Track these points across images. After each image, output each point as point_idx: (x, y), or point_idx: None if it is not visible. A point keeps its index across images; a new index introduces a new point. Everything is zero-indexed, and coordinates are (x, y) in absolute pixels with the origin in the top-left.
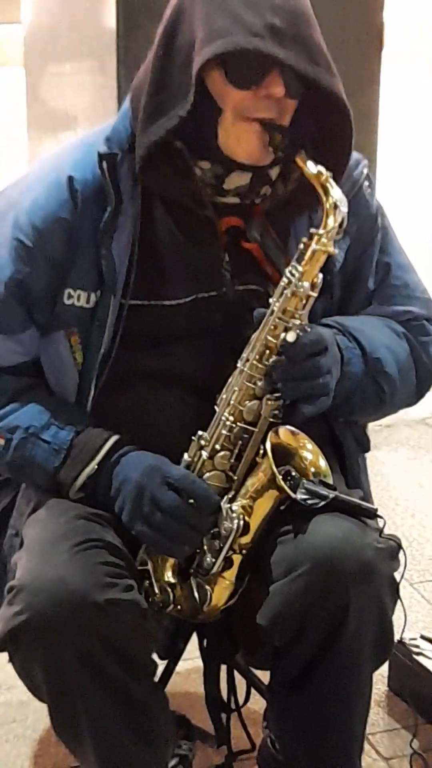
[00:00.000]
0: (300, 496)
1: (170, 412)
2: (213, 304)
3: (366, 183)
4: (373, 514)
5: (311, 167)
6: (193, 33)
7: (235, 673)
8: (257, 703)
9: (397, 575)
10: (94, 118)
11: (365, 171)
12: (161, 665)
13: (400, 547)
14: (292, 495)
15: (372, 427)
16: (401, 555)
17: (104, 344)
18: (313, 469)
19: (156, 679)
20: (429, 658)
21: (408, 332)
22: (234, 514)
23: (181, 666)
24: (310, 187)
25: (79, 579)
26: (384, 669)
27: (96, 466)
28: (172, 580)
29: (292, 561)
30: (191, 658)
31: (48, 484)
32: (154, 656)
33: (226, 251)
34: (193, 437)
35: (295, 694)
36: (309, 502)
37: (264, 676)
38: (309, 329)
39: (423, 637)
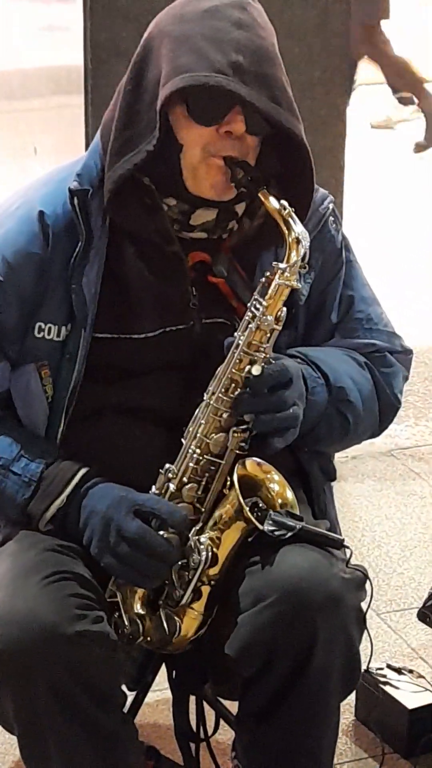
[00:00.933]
0: (267, 527)
1: (139, 444)
2: (181, 338)
3: (331, 218)
4: (340, 545)
5: (273, 202)
6: (159, 69)
7: (204, 703)
8: (225, 734)
9: (363, 605)
10: (62, 154)
11: (331, 206)
12: (130, 696)
13: (366, 577)
14: (260, 527)
15: (338, 459)
16: (368, 585)
17: (74, 377)
18: (280, 500)
19: (125, 710)
20: (396, 687)
21: (370, 363)
22: (202, 546)
23: (150, 697)
24: (276, 222)
25: (49, 611)
26: (351, 698)
27: (65, 499)
28: (141, 612)
29: (259, 592)
30: (160, 689)
31: (17, 516)
32: (123, 688)
33: (193, 286)
34: (160, 470)
35: (263, 724)
36: (276, 533)
37: (232, 706)
38: (273, 361)
39: (389, 667)
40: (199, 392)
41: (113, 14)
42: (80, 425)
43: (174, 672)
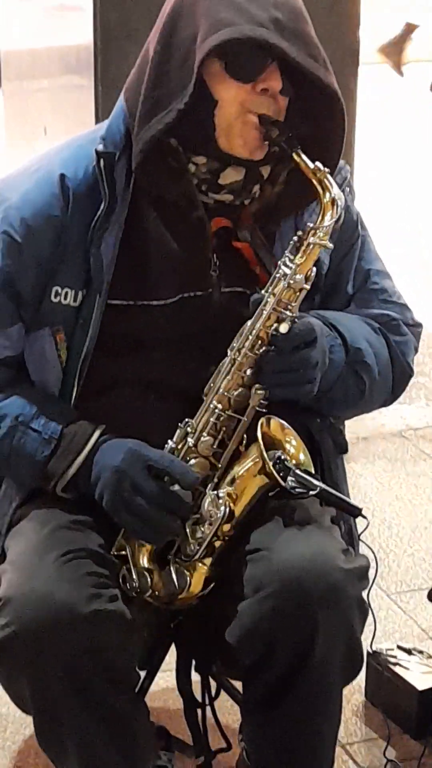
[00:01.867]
0: (289, 483)
1: (152, 417)
2: (198, 305)
3: (347, 189)
4: (358, 513)
5: (309, 163)
6: (194, 27)
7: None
8: (236, 713)
9: (370, 588)
10: (71, 134)
11: (347, 177)
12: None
13: (368, 567)
14: (282, 482)
15: (349, 439)
16: (379, 566)
17: (87, 344)
18: (294, 462)
19: (136, 690)
20: (406, 668)
21: (384, 331)
22: (220, 501)
23: (160, 678)
24: (296, 190)
25: (65, 591)
26: (361, 679)
27: (86, 456)
28: (149, 566)
29: (260, 580)
30: (170, 671)
31: (33, 476)
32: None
33: (214, 252)
34: (180, 424)
35: (267, 710)
36: (297, 490)
37: (239, 684)
38: (299, 320)
39: (400, 648)
40: (215, 363)
41: None
42: (93, 396)
43: (182, 652)
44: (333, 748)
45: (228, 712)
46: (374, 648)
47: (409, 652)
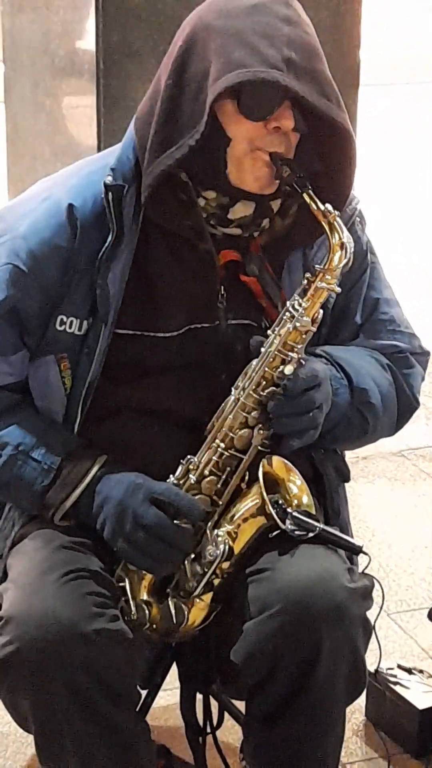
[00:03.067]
0: (288, 526)
1: (157, 446)
2: (205, 337)
3: (358, 219)
4: (359, 551)
5: (319, 205)
6: (206, 64)
7: (212, 699)
8: (236, 733)
9: (375, 608)
10: (73, 154)
11: (358, 207)
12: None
13: (373, 585)
14: (281, 524)
15: (349, 459)
16: (377, 590)
17: (92, 372)
18: (296, 502)
19: (137, 709)
20: (406, 687)
21: (392, 364)
22: (220, 539)
23: (161, 697)
24: (306, 223)
25: (67, 610)
26: (362, 699)
27: (85, 488)
28: (148, 599)
29: (265, 600)
30: (171, 689)
31: (33, 504)
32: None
33: (222, 285)
34: (182, 461)
35: (269, 729)
36: (296, 532)
37: (241, 705)
38: (305, 362)
39: (400, 667)
40: (220, 394)
41: (125, 14)
42: (97, 423)
43: (183, 671)
44: (337, 764)
45: (228, 731)
46: (374, 669)
47: (409, 671)
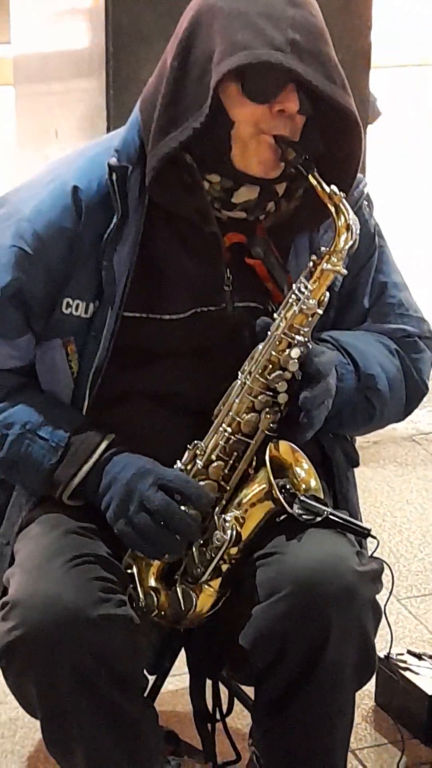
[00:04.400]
0: (296, 510)
1: (164, 429)
2: (211, 320)
3: (365, 202)
4: (367, 534)
5: (325, 187)
6: (211, 46)
7: (221, 685)
8: (245, 718)
9: (385, 592)
10: (82, 138)
11: (365, 190)
12: (149, 681)
13: (383, 569)
14: (289, 509)
15: (360, 444)
16: (388, 572)
17: (99, 355)
18: (304, 486)
19: (145, 694)
20: (416, 673)
21: (400, 349)
22: (227, 524)
23: (170, 682)
24: (313, 206)
25: (73, 594)
26: (371, 684)
27: (93, 465)
28: (156, 585)
29: (273, 583)
30: (180, 674)
31: (41, 483)
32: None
33: (228, 267)
34: (188, 446)
35: (279, 714)
36: (304, 517)
37: (250, 691)
38: (311, 346)
39: (410, 653)
40: (227, 377)
41: None
42: (104, 408)
43: (191, 656)
44: (345, 751)
45: (237, 716)
46: (384, 653)
47: (419, 657)
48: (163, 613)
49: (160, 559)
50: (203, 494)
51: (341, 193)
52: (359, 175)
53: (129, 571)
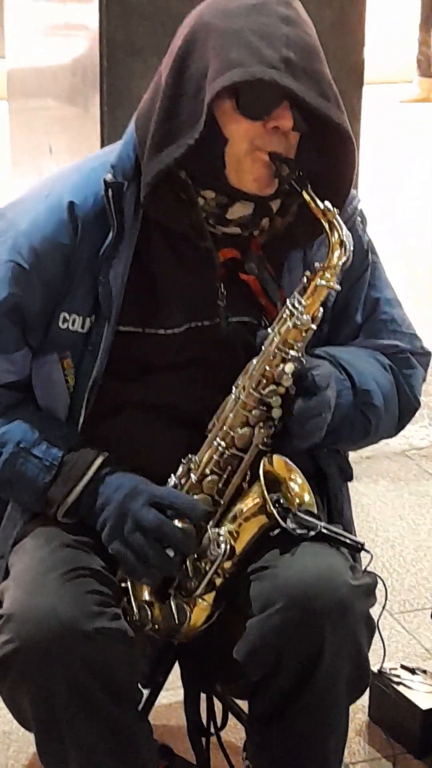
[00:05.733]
0: (289, 525)
1: (159, 442)
2: (206, 335)
3: (359, 219)
4: (360, 548)
5: (319, 203)
6: (205, 63)
7: (215, 699)
8: (238, 732)
9: (378, 607)
10: (77, 153)
11: (359, 207)
12: (144, 694)
13: (376, 583)
14: (282, 523)
15: (353, 459)
16: (381, 586)
17: (96, 370)
18: (298, 501)
19: (139, 708)
20: (409, 687)
21: (393, 365)
22: (221, 538)
23: (163, 697)
24: (307, 222)
25: (68, 608)
26: (364, 699)
27: (86, 484)
28: (150, 600)
29: (267, 597)
30: (173, 689)
31: (35, 501)
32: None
33: (221, 282)
34: (182, 460)
35: (272, 727)
36: (298, 531)
37: (245, 704)
38: (306, 361)
39: (403, 667)
40: (222, 391)
41: (129, 12)
42: (100, 421)
43: (185, 670)
44: (339, 765)
45: (231, 730)
46: (377, 668)
47: (412, 671)
48: (157, 626)
49: (156, 582)
50: (196, 507)
51: (335, 209)
52: (352, 191)
53: (123, 584)
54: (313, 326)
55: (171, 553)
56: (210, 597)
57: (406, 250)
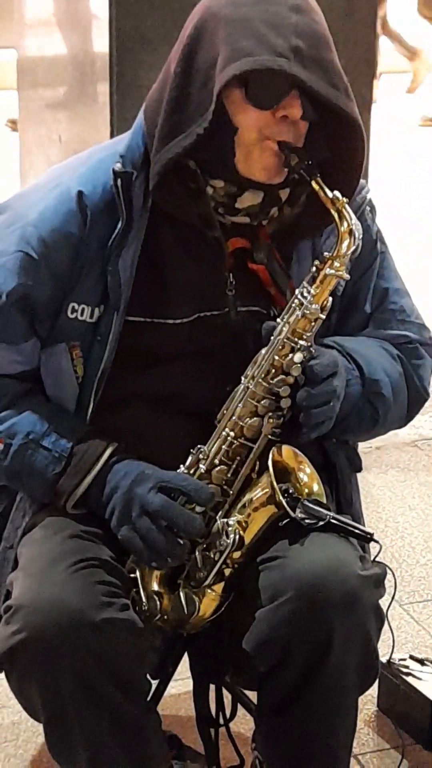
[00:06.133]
0: (298, 515)
1: (167, 432)
2: (214, 324)
3: (368, 208)
4: (369, 539)
5: (328, 192)
6: (214, 52)
7: (224, 690)
8: (247, 723)
9: (387, 597)
10: (86, 143)
11: (368, 196)
12: (153, 685)
13: (385, 573)
14: (291, 513)
15: (362, 449)
16: (391, 577)
17: (105, 359)
18: (306, 491)
19: (147, 699)
20: (418, 678)
21: (402, 355)
22: (230, 528)
23: (172, 687)
24: (315, 211)
25: (76, 599)
26: (373, 689)
27: (96, 475)
28: (159, 590)
29: (277, 588)
30: (182, 679)
31: (45, 493)
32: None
33: (230, 272)
34: (192, 450)
35: (281, 718)
36: (307, 521)
37: (253, 695)
38: (314, 351)
39: (412, 658)
40: (230, 381)
41: (139, 2)
42: (108, 411)
43: (194, 660)
44: (348, 756)
45: (240, 721)
46: (387, 659)
47: (422, 662)
48: (166, 617)
49: (164, 567)
50: (202, 489)
51: (344, 198)
52: (362, 181)
53: (132, 575)
54: (322, 315)
55: (178, 539)
56: (219, 587)
57: (414, 240)
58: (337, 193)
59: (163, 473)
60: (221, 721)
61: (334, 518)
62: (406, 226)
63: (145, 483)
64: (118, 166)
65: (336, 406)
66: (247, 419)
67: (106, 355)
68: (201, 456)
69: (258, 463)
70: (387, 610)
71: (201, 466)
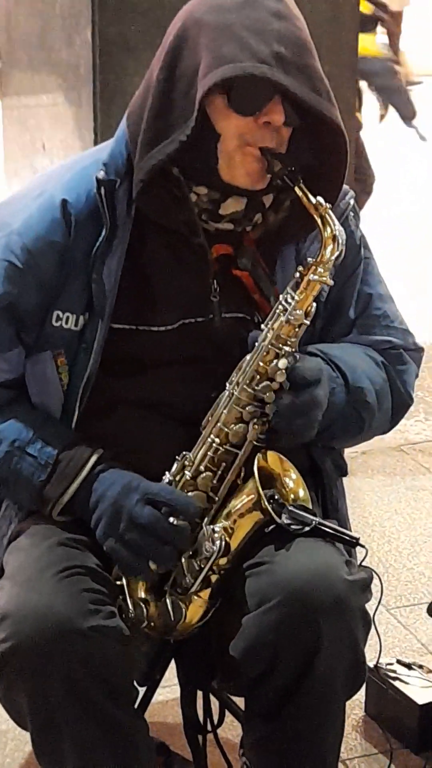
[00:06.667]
0: (284, 520)
1: (153, 439)
2: (199, 331)
3: (351, 214)
4: (355, 543)
5: (311, 198)
6: (197, 59)
7: (212, 697)
8: (235, 729)
9: (374, 602)
10: (70, 150)
11: (351, 202)
12: (140, 692)
13: (372, 578)
14: (277, 519)
15: (348, 454)
16: (376, 583)
17: (90, 367)
18: (292, 496)
19: (135, 705)
20: (405, 683)
21: (386, 361)
22: (216, 535)
23: (160, 694)
24: (300, 217)
25: (63, 606)
26: (361, 694)
27: (81, 482)
28: (145, 597)
29: (264, 593)
30: (170, 686)
31: (31, 500)
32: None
33: (215, 279)
34: (177, 457)
35: (269, 723)
36: (292, 527)
37: (241, 701)
38: (299, 357)
39: (399, 662)
40: (216, 387)
41: (122, 9)
42: (94, 418)
43: (182, 667)
44: (336, 761)
45: (228, 727)
46: (373, 663)
47: (409, 666)
48: (152, 624)
49: (149, 578)
50: (189, 503)
51: (327, 204)
52: (345, 186)
53: (119, 582)
54: (306, 321)
55: (167, 550)
56: (205, 594)
57: (401, 244)
58: (320, 198)
59: (150, 485)
60: (209, 727)
61: (320, 523)
62: (397, 227)
63: (132, 495)
64: (101, 174)
65: (317, 414)
66: (232, 425)
67: (91, 363)
68: (186, 463)
69: (244, 469)
70: (374, 615)
71: (186, 472)
